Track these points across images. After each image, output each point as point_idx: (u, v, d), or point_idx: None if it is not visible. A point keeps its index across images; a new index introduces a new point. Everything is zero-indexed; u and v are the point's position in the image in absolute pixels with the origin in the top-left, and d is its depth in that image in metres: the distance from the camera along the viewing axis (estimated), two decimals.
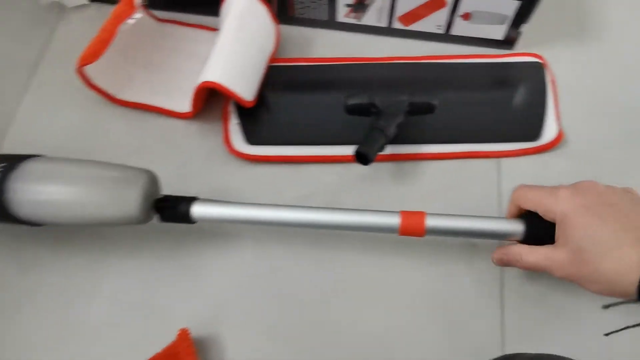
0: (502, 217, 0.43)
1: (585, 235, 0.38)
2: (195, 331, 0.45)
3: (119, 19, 0.51)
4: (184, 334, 0.44)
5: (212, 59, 0.51)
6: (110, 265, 0.50)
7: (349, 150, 0.53)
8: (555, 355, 0.36)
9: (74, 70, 0.52)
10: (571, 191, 0.41)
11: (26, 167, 0.43)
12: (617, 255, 0.37)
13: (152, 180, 0.44)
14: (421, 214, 0.43)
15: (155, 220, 0.47)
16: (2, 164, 0.43)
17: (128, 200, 0.42)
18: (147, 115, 0.57)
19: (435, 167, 0.54)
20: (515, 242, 0.44)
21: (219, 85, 0.49)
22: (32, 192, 0.42)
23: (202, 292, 0.49)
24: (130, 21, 0.53)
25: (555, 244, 0.41)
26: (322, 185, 0.53)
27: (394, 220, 0.43)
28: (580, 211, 0.39)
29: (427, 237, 0.45)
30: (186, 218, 0.44)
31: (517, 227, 0.43)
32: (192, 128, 0.57)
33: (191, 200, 0.45)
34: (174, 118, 0.57)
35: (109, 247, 0.51)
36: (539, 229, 0.42)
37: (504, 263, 0.45)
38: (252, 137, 0.54)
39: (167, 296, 0.49)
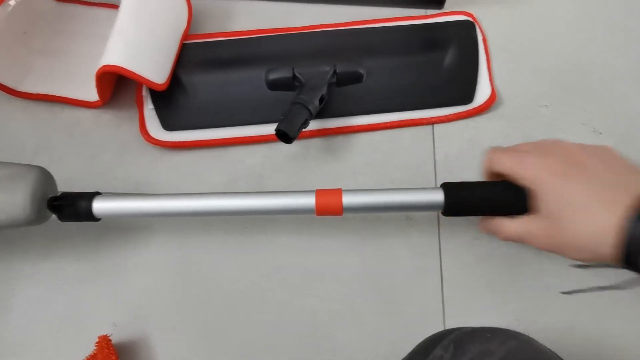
0: (421, 188, 0.40)
1: (556, 199, 0.35)
2: (118, 335, 0.42)
3: None
4: (103, 341, 0.40)
5: (111, 40, 0.46)
6: (21, 271, 0.46)
7: (273, 129, 0.50)
8: (486, 328, 0.34)
9: None
10: (539, 153, 0.37)
11: None
12: (590, 217, 0.34)
13: (44, 178, 0.40)
14: (337, 192, 0.40)
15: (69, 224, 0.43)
16: None
17: (13, 200, 0.37)
18: (52, 106, 0.52)
19: (367, 139, 0.51)
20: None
21: (120, 68, 0.45)
22: None
23: (123, 293, 0.45)
24: (11, 2, 0.47)
25: (529, 213, 0.38)
26: (248, 169, 0.50)
27: (309, 201, 0.40)
28: (549, 174, 0.36)
29: (361, 217, 0.42)
30: (88, 216, 0.40)
31: (437, 197, 0.40)
32: (103, 118, 0.52)
33: (92, 195, 0.41)
34: (83, 108, 0.52)
35: (18, 254, 0.46)
36: (460, 198, 0.40)
37: (490, 233, 0.41)
38: (169, 123, 0.50)
39: (85, 301, 0.45)
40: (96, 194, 0.41)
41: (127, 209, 0.40)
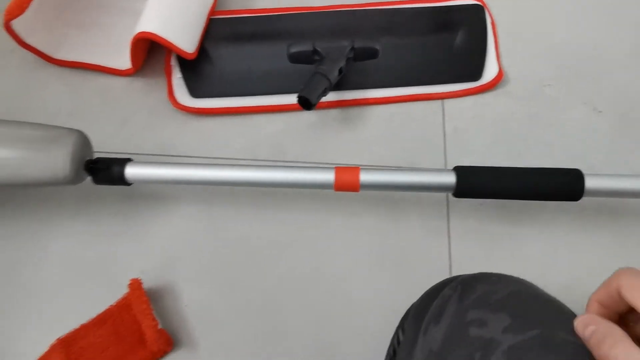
0: (435, 169, 0.43)
1: None
2: (147, 282, 0.45)
3: None
4: (135, 284, 0.44)
5: (148, 10, 0.50)
6: (56, 226, 0.49)
7: (294, 99, 0.53)
8: (492, 273, 0.37)
9: (2, 28, 0.50)
10: None
11: None
12: None
13: (82, 141, 0.42)
14: (355, 170, 0.43)
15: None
16: None
17: (55, 160, 0.40)
18: (86, 74, 0.56)
19: (381, 112, 0.54)
20: None
21: (155, 35, 0.48)
22: None
23: (151, 246, 0.48)
24: None
25: None
26: (269, 135, 0.53)
27: (329, 177, 0.43)
28: None
29: None
30: (121, 180, 0.43)
31: (449, 179, 0.43)
32: (134, 85, 0.55)
33: (125, 161, 0.44)
34: (115, 76, 0.56)
35: (54, 209, 0.50)
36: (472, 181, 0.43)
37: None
38: (196, 90, 0.53)
39: (116, 252, 0.48)
40: (128, 160, 0.44)
41: (156, 175, 0.43)
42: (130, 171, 0.44)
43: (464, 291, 0.35)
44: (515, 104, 0.55)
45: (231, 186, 0.46)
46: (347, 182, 0.43)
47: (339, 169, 0.43)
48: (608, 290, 0.28)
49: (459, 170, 0.43)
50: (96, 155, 0.45)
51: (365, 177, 0.43)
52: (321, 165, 0.51)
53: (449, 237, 0.49)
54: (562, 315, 0.32)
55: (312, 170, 0.43)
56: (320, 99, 0.49)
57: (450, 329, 0.33)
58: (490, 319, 0.32)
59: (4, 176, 0.40)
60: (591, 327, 0.26)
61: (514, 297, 0.34)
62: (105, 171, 0.43)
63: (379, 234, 0.49)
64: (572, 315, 0.31)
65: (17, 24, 0.50)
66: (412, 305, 0.40)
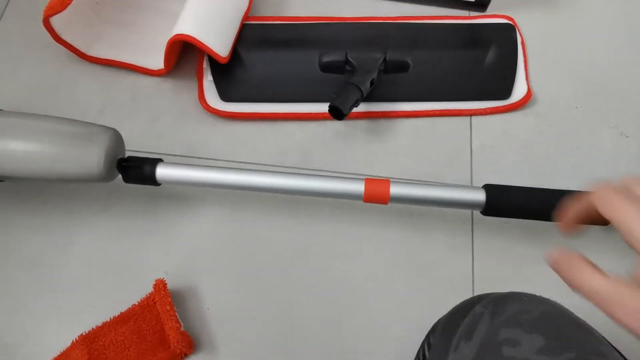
0: (465, 185, 0.44)
1: None
2: (170, 283, 0.45)
3: None
4: (160, 284, 0.44)
5: (185, 13, 0.50)
6: (82, 221, 0.49)
7: (323, 107, 0.54)
8: (522, 292, 0.37)
9: (41, 23, 0.50)
10: None
11: None
12: None
13: (116, 139, 0.43)
14: (386, 182, 0.43)
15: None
16: None
17: (89, 157, 0.41)
18: (118, 72, 0.56)
19: (409, 125, 0.55)
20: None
21: (192, 38, 0.48)
22: None
23: (176, 247, 0.48)
24: None
25: None
26: (297, 142, 0.53)
27: (359, 188, 0.43)
28: None
29: None
30: (151, 180, 0.44)
31: (479, 196, 0.43)
32: (165, 85, 0.56)
33: (156, 161, 0.44)
34: (146, 75, 0.56)
35: (81, 204, 0.50)
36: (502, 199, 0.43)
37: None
38: (226, 94, 0.54)
39: (141, 251, 0.48)
40: (159, 160, 0.44)
41: (186, 177, 0.44)
42: (161, 171, 0.44)
43: (495, 309, 0.35)
44: (543, 124, 0.55)
45: (260, 192, 0.46)
46: (377, 194, 0.43)
47: (369, 181, 0.43)
48: (583, 203, 0.31)
49: (489, 189, 0.43)
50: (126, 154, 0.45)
51: (395, 190, 0.43)
52: (348, 176, 0.51)
53: (472, 254, 0.49)
54: (593, 339, 0.33)
55: (342, 181, 0.43)
56: (351, 110, 0.49)
57: (482, 347, 0.33)
58: (524, 339, 0.32)
59: (39, 169, 0.41)
60: (559, 258, 0.30)
61: (546, 317, 0.34)
62: (136, 170, 0.44)
63: (402, 247, 0.49)
64: (602, 339, 0.31)
65: (55, 20, 0.51)
66: (439, 321, 0.39)
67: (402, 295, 0.47)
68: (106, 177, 0.42)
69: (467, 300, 0.39)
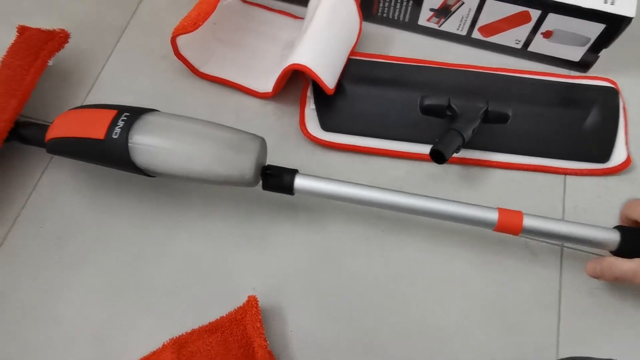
0: (598, 226, 0.45)
1: None
2: (259, 300, 0.46)
3: None
4: (253, 301, 0.45)
5: (302, 44, 0.53)
6: (181, 225, 0.52)
7: (419, 148, 0.55)
8: (608, 359, 0.37)
9: (159, 36, 0.54)
10: None
11: (148, 119, 0.45)
12: None
13: (264, 147, 0.47)
14: (519, 213, 0.45)
15: (228, 188, 0.49)
16: (126, 114, 0.45)
17: (243, 162, 0.44)
18: (225, 90, 0.59)
19: (502, 176, 0.55)
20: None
21: (308, 68, 0.51)
22: (154, 142, 0.45)
23: (265, 264, 0.50)
24: None
25: None
26: (390, 179, 0.54)
27: (492, 216, 0.45)
28: None
29: (489, 239, 0.47)
30: (288, 189, 0.46)
31: (612, 237, 0.44)
32: (268, 108, 0.58)
33: (294, 172, 0.47)
34: (251, 96, 0.59)
35: (181, 209, 0.52)
36: (636, 242, 0.44)
37: (596, 274, 0.46)
38: (327, 124, 0.56)
39: (232, 264, 0.50)
40: (296, 171, 0.47)
41: (320, 189, 0.46)
42: (298, 182, 0.46)
43: None
44: (639, 193, 0.54)
45: (390, 210, 0.48)
46: (509, 225, 0.45)
47: (502, 210, 0.45)
48: (623, 217, 0.48)
49: (624, 230, 0.45)
50: None
51: (528, 221, 0.45)
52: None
53: (559, 314, 0.48)
54: None
55: (476, 207, 0.46)
56: (452, 155, 0.50)
57: None
58: None
59: (197, 169, 0.45)
60: (597, 266, 0.46)
61: None
62: (276, 178, 0.47)
63: (487, 292, 0.49)
64: None
65: (179, 37, 0.54)
66: None
67: (485, 348, 0.47)
68: (253, 182, 0.46)
69: None
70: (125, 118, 0.46)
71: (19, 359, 0.46)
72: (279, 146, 0.56)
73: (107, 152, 0.45)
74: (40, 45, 0.54)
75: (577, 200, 0.54)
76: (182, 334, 0.45)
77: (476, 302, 0.49)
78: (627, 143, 0.56)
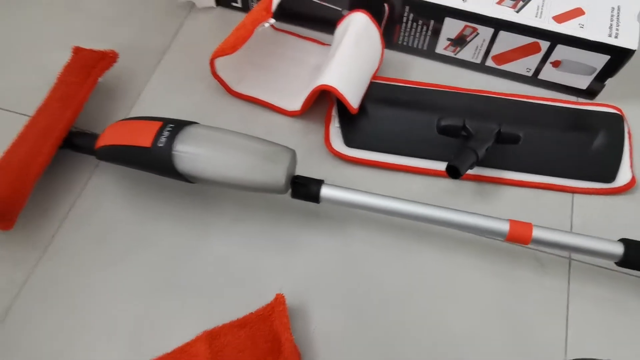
0: (602, 238, 0.48)
1: None
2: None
3: (258, 20, 0.58)
4: (280, 298, 0.49)
5: (330, 67, 0.58)
6: (215, 228, 0.56)
7: (436, 165, 0.59)
8: None
9: (198, 58, 0.60)
10: None
11: (190, 130, 0.50)
12: None
13: (294, 158, 0.51)
14: (529, 225, 0.49)
15: (258, 196, 0.53)
16: (171, 125, 0.50)
17: (276, 171, 0.49)
18: (256, 108, 0.64)
19: (514, 193, 0.59)
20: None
21: (335, 89, 0.56)
22: (196, 150, 0.50)
23: (292, 266, 0.54)
24: (267, 24, 0.60)
25: None
26: (408, 193, 0.58)
27: (504, 227, 0.49)
28: None
29: (500, 251, 0.51)
30: (315, 197, 0.51)
31: (617, 249, 0.48)
32: (295, 125, 0.63)
33: (320, 182, 0.52)
34: (280, 115, 0.64)
35: (216, 213, 0.57)
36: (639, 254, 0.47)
37: None
38: (351, 141, 0.60)
39: (261, 265, 0.54)
40: (322, 181, 0.52)
41: (344, 198, 0.51)
42: (324, 191, 0.51)
43: None
44: None
45: (410, 219, 0.52)
46: (520, 235, 0.49)
47: (513, 221, 0.49)
48: None
49: (627, 242, 0.49)
50: None
51: (537, 233, 0.49)
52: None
53: (566, 326, 0.51)
54: None
55: (488, 218, 0.49)
56: (467, 171, 0.54)
57: None
58: None
59: (234, 177, 0.50)
60: None
61: None
62: (304, 187, 0.51)
63: (498, 302, 0.52)
64: None
65: (218, 58, 0.60)
66: None
67: (494, 355, 0.50)
68: (284, 189, 0.50)
69: None
70: (170, 129, 0.51)
71: (65, 350, 0.49)
72: (306, 160, 0.60)
73: (153, 159, 0.50)
74: (92, 64, 0.60)
75: (584, 217, 0.57)
76: (215, 327, 0.48)
77: (487, 310, 0.52)
78: (632, 165, 0.60)
